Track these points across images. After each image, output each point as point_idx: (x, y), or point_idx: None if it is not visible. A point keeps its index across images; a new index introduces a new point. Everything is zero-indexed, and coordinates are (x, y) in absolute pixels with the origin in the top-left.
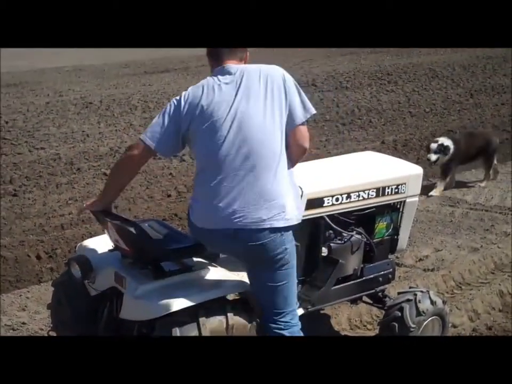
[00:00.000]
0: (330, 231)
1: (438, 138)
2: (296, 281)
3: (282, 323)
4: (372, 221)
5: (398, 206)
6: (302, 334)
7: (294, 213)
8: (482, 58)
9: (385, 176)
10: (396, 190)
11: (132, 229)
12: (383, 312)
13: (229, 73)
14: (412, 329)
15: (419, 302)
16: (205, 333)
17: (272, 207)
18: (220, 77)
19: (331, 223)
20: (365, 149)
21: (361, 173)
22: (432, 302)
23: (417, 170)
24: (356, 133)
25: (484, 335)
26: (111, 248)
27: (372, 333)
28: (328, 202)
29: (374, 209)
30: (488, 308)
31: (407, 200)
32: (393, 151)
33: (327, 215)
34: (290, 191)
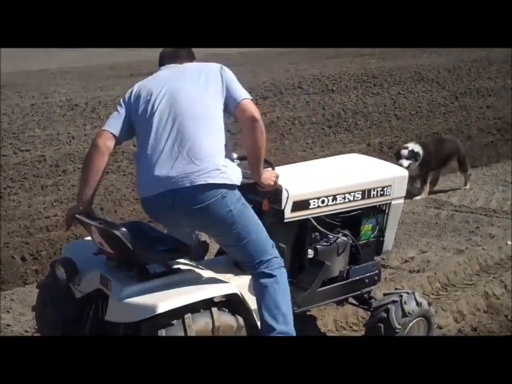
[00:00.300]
0: (316, 233)
1: (407, 145)
2: (260, 233)
3: (261, 273)
4: (358, 223)
5: (384, 208)
6: (286, 279)
7: (231, 173)
8: (468, 61)
9: (370, 178)
10: (382, 192)
11: (116, 232)
12: (369, 313)
13: (169, 66)
14: (397, 330)
15: (405, 303)
16: (191, 334)
17: (205, 165)
18: (161, 67)
19: (317, 225)
20: (351, 151)
21: (347, 175)
22: (418, 304)
23: (403, 172)
24: (342, 135)
25: (469, 335)
26: (96, 251)
27: (357, 334)
28: (314, 205)
29: (359, 211)
30: (473, 309)
31: (393, 202)
32: (379, 154)
33: (313, 217)
34: (223, 156)
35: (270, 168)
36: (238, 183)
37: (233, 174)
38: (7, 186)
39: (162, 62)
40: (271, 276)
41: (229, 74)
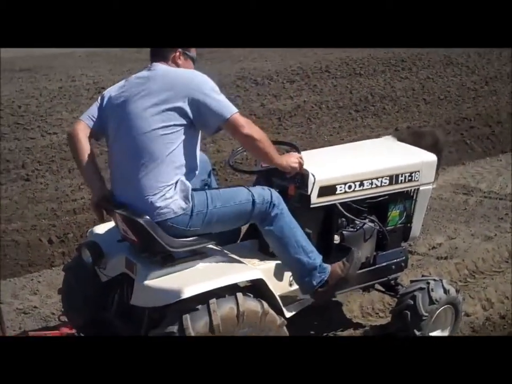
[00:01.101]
0: (343, 219)
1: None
2: (234, 199)
3: (267, 230)
4: (385, 209)
5: (412, 194)
6: (287, 216)
7: (172, 205)
8: None
9: (398, 163)
10: (410, 178)
11: (139, 220)
12: (396, 300)
13: (147, 70)
14: (424, 318)
15: (432, 290)
16: (216, 320)
17: (144, 205)
18: (139, 73)
19: (343, 211)
20: (379, 136)
21: (374, 160)
22: (445, 291)
23: (431, 157)
24: (369, 119)
25: (497, 324)
26: (120, 239)
27: (383, 321)
28: (340, 190)
29: (387, 196)
30: (502, 297)
31: (421, 188)
32: None
33: (340, 203)
34: (167, 188)
35: (289, 153)
36: (182, 211)
37: (175, 204)
38: (34, 169)
39: (151, 59)
40: (272, 227)
41: (204, 93)
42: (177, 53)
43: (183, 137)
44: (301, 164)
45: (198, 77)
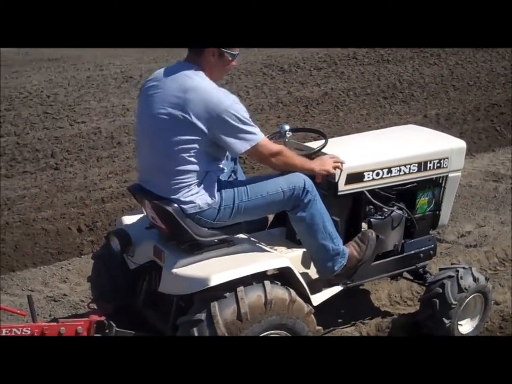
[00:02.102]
0: (371, 206)
1: None
2: (266, 187)
3: (297, 217)
4: (414, 196)
5: (440, 181)
6: (318, 203)
7: (198, 200)
8: None
9: (427, 150)
10: (438, 165)
11: (168, 208)
12: (424, 288)
13: (178, 69)
14: (453, 306)
15: (461, 278)
16: (244, 307)
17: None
18: (171, 67)
19: (371, 198)
20: (407, 123)
21: (402, 147)
22: (475, 279)
23: (460, 144)
24: (397, 106)
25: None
26: (148, 226)
27: (411, 309)
28: (368, 177)
29: (415, 184)
30: None
31: (450, 175)
32: (436, 125)
33: (368, 190)
34: (191, 186)
35: (326, 155)
36: (208, 206)
37: (200, 199)
38: (63, 158)
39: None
40: (304, 214)
41: (225, 122)
42: (211, 51)
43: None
44: (337, 165)
45: (222, 103)
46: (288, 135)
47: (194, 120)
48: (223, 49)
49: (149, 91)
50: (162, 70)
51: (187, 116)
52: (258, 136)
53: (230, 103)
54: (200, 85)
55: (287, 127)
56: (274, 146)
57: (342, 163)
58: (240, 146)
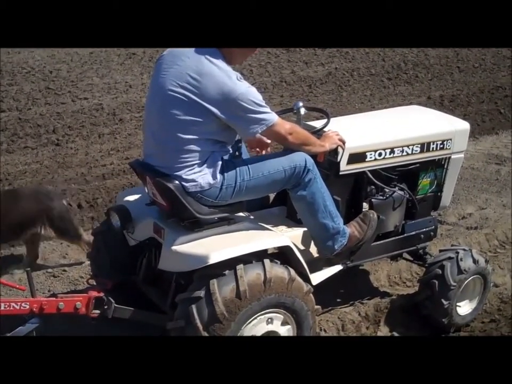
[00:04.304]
0: (372, 187)
1: None
2: (268, 167)
3: (298, 196)
4: (415, 177)
5: (443, 162)
6: (319, 182)
7: (200, 179)
8: None
9: (430, 131)
10: (441, 146)
11: (169, 184)
12: (424, 269)
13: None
14: (452, 287)
15: (461, 260)
16: (243, 285)
17: (177, 175)
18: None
19: (373, 179)
20: (411, 104)
21: (405, 128)
22: (475, 261)
23: (464, 125)
24: (401, 87)
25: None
26: (148, 202)
27: (411, 290)
28: (370, 157)
29: (418, 165)
30: None
31: (452, 156)
32: (440, 107)
33: (369, 170)
34: (195, 165)
35: (328, 129)
36: (209, 186)
37: (203, 178)
38: (65, 134)
39: None
40: (305, 192)
41: (241, 107)
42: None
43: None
44: (339, 140)
45: (237, 89)
46: (302, 113)
47: (207, 105)
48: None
49: (165, 64)
50: (174, 51)
51: (200, 100)
52: (273, 117)
53: (245, 88)
54: (216, 70)
55: (300, 104)
56: (288, 125)
57: (343, 141)
58: (257, 128)
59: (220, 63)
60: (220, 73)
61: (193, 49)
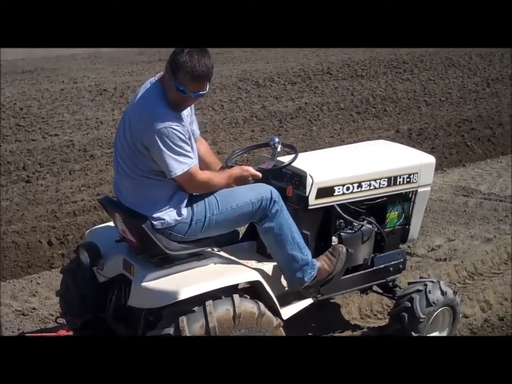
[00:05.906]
0: (341, 220)
1: None
2: (234, 200)
3: (265, 228)
4: (383, 210)
5: (410, 196)
6: (285, 214)
7: (166, 216)
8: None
9: (397, 165)
10: (408, 180)
11: (138, 221)
12: (394, 302)
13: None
14: (421, 320)
15: (429, 292)
16: (212, 322)
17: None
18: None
19: (341, 212)
20: (380, 137)
21: (372, 162)
22: (443, 293)
23: (430, 159)
24: (370, 121)
25: (495, 325)
26: (118, 238)
27: (382, 323)
28: (338, 191)
29: (385, 198)
30: (501, 299)
31: (419, 189)
32: (408, 140)
33: (338, 204)
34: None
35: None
36: (176, 222)
37: (168, 215)
38: (35, 170)
39: None
40: (272, 224)
41: (159, 144)
42: (167, 75)
43: None
44: (247, 175)
45: (159, 126)
46: (279, 149)
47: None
48: (176, 83)
49: (125, 111)
50: (142, 87)
51: (142, 148)
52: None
53: (169, 131)
54: (154, 116)
55: (277, 139)
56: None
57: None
58: (174, 170)
59: (159, 106)
60: (156, 119)
61: (145, 91)
